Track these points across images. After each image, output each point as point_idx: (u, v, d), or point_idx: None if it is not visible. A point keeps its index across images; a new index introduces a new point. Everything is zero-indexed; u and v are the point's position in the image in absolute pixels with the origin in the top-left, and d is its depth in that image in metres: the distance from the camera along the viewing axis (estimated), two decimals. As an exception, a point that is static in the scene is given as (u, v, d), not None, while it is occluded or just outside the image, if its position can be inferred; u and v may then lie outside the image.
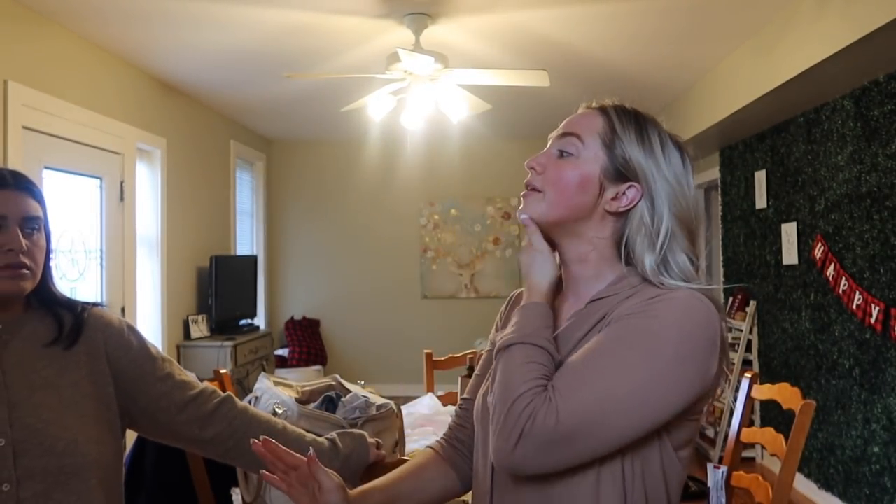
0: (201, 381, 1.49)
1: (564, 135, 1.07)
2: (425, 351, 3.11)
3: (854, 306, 3.44)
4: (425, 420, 2.41)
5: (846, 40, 2.78)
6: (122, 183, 3.92)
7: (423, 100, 3.48)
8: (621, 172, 1.04)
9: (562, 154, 1.06)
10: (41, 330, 1.26)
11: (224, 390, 1.73)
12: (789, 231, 4.14)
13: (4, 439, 1.14)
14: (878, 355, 3.30)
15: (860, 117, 3.41)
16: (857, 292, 3.41)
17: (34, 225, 1.23)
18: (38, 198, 1.26)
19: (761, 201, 4.51)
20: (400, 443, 2.09)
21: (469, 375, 2.61)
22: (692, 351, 0.93)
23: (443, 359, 3.06)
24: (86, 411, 1.24)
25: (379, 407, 1.91)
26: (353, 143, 6.61)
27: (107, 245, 3.78)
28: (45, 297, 1.29)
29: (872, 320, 3.28)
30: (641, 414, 0.91)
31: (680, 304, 0.95)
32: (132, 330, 1.36)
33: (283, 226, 6.75)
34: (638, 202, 1.04)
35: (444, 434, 1.28)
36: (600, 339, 0.96)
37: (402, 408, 2.36)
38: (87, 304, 1.33)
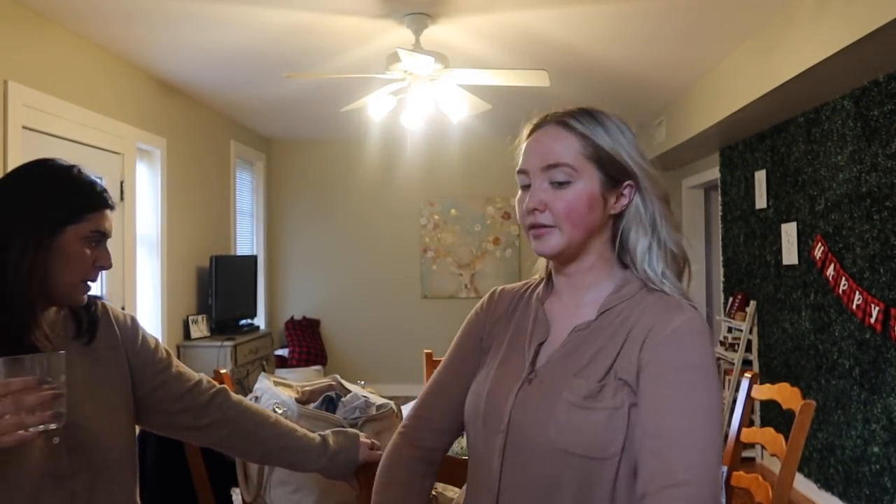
0: None
1: (550, 167, 1.06)
2: (425, 351, 3.11)
3: (854, 306, 3.44)
4: (425, 420, 2.40)
5: (846, 41, 2.78)
6: (122, 183, 3.92)
7: (423, 100, 3.48)
8: (613, 176, 1.07)
9: (560, 185, 1.06)
10: (68, 327, 1.29)
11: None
12: (789, 231, 4.14)
13: (59, 437, 1.18)
14: (878, 355, 3.30)
15: (860, 117, 3.41)
16: (857, 292, 3.41)
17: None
18: None
19: (761, 201, 4.51)
20: (400, 443, 2.09)
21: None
22: (715, 367, 1.01)
23: (443, 359, 3.06)
24: (116, 405, 1.29)
25: (379, 407, 1.91)
26: (353, 143, 6.61)
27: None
28: None
29: (872, 320, 3.28)
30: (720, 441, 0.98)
31: (696, 324, 1.01)
32: (135, 322, 1.40)
33: (283, 226, 6.75)
34: (634, 195, 1.08)
35: (408, 442, 1.22)
36: (665, 395, 0.96)
37: (402, 408, 2.36)
38: (94, 297, 1.35)
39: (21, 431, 1.01)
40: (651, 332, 1.00)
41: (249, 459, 1.61)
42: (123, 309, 1.48)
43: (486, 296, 1.28)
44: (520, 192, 1.13)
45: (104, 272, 1.30)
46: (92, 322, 1.30)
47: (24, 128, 3.07)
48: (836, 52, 2.86)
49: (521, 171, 1.11)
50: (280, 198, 6.75)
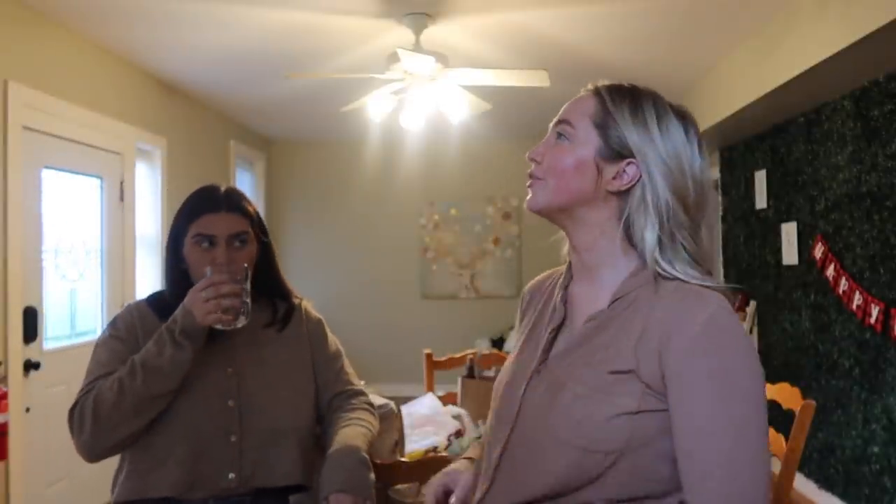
0: None
1: (558, 122, 1.09)
2: (425, 351, 3.11)
3: (854, 306, 3.44)
4: (425, 420, 2.40)
5: (846, 41, 2.78)
6: (122, 183, 3.92)
7: (422, 100, 3.48)
8: (618, 151, 1.04)
9: (559, 138, 1.08)
10: (261, 314, 1.56)
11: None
12: (789, 231, 4.14)
13: (233, 401, 1.45)
14: (878, 355, 3.30)
15: (860, 117, 3.41)
16: (857, 292, 3.41)
17: (241, 238, 1.50)
18: (245, 213, 1.52)
19: (761, 201, 4.51)
20: (400, 443, 2.09)
21: (470, 376, 2.61)
22: (754, 359, 0.95)
23: (443, 359, 3.06)
24: (291, 386, 1.52)
25: (379, 407, 1.91)
26: (353, 143, 6.61)
27: (107, 245, 3.77)
28: (264, 288, 1.57)
29: (872, 320, 3.28)
30: (766, 446, 0.94)
31: (722, 320, 0.94)
32: (322, 323, 1.66)
33: (283, 226, 6.75)
34: (639, 179, 1.03)
35: None
36: (701, 413, 0.91)
37: (402, 408, 2.36)
38: (297, 298, 1.65)
39: (218, 314, 1.32)
40: (673, 334, 0.94)
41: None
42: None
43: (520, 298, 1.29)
44: None
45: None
46: (287, 315, 1.58)
47: (24, 128, 3.07)
48: (836, 52, 2.86)
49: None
50: (280, 198, 6.75)
